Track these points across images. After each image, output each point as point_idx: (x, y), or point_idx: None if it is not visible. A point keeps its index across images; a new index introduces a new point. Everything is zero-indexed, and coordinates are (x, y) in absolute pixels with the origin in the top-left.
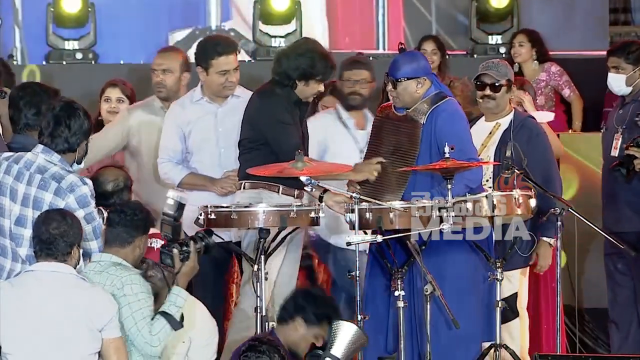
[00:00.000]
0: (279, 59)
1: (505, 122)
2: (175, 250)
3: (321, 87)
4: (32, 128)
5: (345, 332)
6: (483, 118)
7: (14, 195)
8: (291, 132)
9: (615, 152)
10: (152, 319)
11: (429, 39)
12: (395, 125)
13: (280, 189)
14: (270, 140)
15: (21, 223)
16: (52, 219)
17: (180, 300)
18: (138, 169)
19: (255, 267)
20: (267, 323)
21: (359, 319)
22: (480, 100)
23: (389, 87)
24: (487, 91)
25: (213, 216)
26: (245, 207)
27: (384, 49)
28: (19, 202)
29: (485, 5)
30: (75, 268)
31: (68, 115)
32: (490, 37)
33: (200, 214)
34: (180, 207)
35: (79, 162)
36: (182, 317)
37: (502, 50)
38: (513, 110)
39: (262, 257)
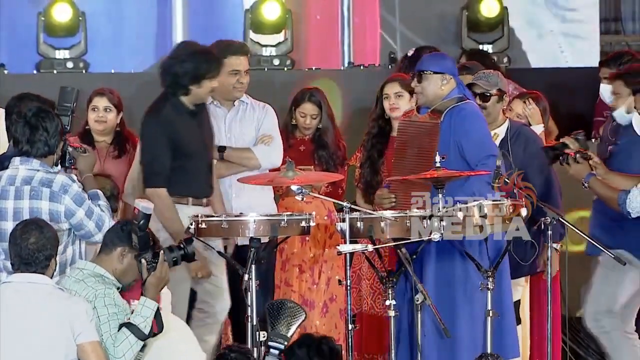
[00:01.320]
0: (164, 72)
1: (501, 131)
2: (143, 261)
3: (215, 84)
4: None
5: (284, 310)
6: None
7: (4, 214)
8: (152, 149)
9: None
10: (119, 331)
11: (424, 50)
12: (418, 126)
13: (190, 200)
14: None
15: None
16: (29, 233)
17: (146, 310)
18: None
19: (246, 276)
20: (258, 332)
21: (350, 328)
22: None
23: (414, 82)
24: (477, 101)
25: (204, 225)
26: (236, 216)
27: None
28: (10, 219)
29: (475, 14)
30: (51, 277)
31: (43, 119)
32: (481, 46)
33: (191, 223)
34: (144, 217)
35: (56, 165)
36: (152, 328)
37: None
38: (507, 119)
39: (253, 266)
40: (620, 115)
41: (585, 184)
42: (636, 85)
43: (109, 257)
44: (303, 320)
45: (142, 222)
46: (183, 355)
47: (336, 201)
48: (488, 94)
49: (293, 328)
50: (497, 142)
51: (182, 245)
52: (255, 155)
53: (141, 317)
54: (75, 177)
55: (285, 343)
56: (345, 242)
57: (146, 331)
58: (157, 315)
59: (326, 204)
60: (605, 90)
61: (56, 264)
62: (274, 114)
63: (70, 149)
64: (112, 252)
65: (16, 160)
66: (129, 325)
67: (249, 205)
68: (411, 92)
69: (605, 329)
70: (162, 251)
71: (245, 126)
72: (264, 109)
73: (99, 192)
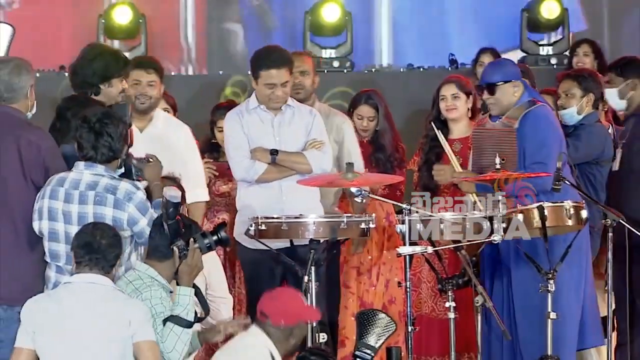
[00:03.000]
0: (74, 73)
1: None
2: (175, 249)
3: (125, 84)
4: None
5: (375, 321)
6: None
7: (69, 217)
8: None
9: (615, 167)
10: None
11: (486, 51)
12: (495, 136)
13: None
14: None
15: None
16: (103, 230)
17: (183, 298)
18: None
19: (306, 278)
20: (318, 334)
21: (409, 330)
22: None
23: (485, 95)
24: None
25: (263, 227)
26: (296, 218)
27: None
28: (75, 222)
29: (536, 15)
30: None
31: (107, 125)
32: (541, 48)
33: (251, 225)
34: (172, 205)
35: (120, 167)
36: (196, 314)
37: (553, 61)
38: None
39: (313, 268)
40: (570, 115)
41: None
42: (589, 86)
43: (162, 263)
44: (393, 333)
45: (170, 210)
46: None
47: (396, 203)
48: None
49: (382, 340)
50: None
51: (216, 231)
52: (308, 161)
53: (181, 306)
54: (140, 185)
55: (373, 354)
56: (404, 244)
57: (190, 318)
58: (201, 297)
59: (384, 206)
60: (608, 95)
61: (115, 271)
62: (321, 118)
63: (134, 161)
64: (167, 259)
65: (80, 164)
66: (171, 317)
67: (301, 207)
68: (468, 93)
69: None
70: (192, 239)
71: (294, 130)
72: (311, 113)
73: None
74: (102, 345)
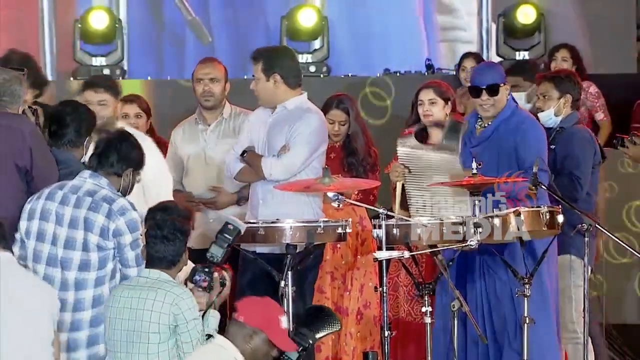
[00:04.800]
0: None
1: None
2: (216, 274)
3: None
4: (74, 145)
5: (321, 314)
6: None
7: (60, 219)
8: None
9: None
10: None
11: (469, 56)
12: (431, 160)
13: None
14: None
15: (70, 246)
16: None
17: (213, 320)
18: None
19: (282, 283)
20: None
21: (386, 334)
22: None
23: (484, 96)
24: None
25: None
26: (272, 222)
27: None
28: (65, 224)
29: (512, 21)
30: None
31: (120, 141)
32: (517, 53)
33: None
34: (238, 233)
35: (124, 193)
36: None
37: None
38: None
39: (289, 273)
40: (547, 117)
41: None
42: (566, 87)
43: (170, 270)
44: (334, 332)
45: (233, 238)
46: None
47: (372, 207)
48: None
49: (322, 333)
50: None
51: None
52: (261, 166)
53: (215, 330)
54: (137, 208)
55: (310, 342)
56: (380, 249)
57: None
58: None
59: (357, 211)
60: (519, 99)
61: None
62: (308, 124)
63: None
64: (174, 266)
65: (86, 172)
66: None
67: (275, 213)
68: (446, 99)
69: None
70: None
71: (279, 132)
72: (300, 118)
73: None
74: (39, 313)
